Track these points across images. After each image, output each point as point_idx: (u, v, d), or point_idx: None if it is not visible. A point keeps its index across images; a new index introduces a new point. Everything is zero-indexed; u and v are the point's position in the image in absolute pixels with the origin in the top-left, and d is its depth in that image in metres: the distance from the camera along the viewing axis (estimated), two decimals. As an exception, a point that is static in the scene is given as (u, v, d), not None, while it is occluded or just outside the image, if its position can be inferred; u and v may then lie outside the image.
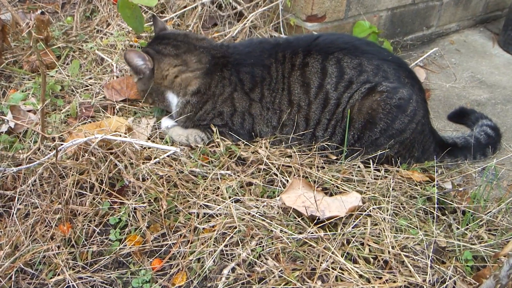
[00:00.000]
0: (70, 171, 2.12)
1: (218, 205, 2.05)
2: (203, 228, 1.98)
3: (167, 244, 1.96)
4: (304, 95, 2.37)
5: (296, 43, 2.47)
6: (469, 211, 2.09)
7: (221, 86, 2.44)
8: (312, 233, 1.92)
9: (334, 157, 2.39)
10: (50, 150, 2.21)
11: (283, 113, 2.41)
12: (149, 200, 2.07)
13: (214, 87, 2.45)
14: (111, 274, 1.87)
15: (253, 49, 2.51)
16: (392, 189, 2.15)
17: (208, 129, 2.48)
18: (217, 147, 2.39)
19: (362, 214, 2.01)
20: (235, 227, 1.94)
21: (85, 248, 1.94)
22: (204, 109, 2.47)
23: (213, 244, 1.90)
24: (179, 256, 1.90)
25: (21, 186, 2.09)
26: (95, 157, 2.14)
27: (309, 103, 2.37)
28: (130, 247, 1.94)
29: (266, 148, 2.36)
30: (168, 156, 2.29)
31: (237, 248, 1.88)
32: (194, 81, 2.45)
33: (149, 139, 2.45)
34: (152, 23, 2.75)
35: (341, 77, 2.34)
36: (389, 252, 1.86)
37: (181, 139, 2.45)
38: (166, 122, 2.56)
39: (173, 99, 2.52)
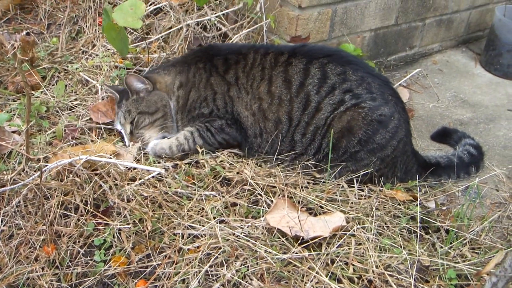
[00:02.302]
0: (55, 192, 2.11)
1: (202, 225, 2.06)
2: (188, 249, 1.98)
3: (152, 265, 1.95)
4: (285, 89, 2.42)
5: (281, 46, 2.63)
6: (452, 230, 2.10)
7: (198, 75, 2.58)
8: (296, 253, 1.92)
9: (319, 175, 2.41)
10: (34, 171, 2.20)
11: (263, 101, 2.45)
12: (134, 221, 2.06)
13: (192, 77, 2.60)
14: (96, 295, 1.86)
15: (231, 45, 2.73)
16: (376, 209, 2.16)
17: (199, 124, 2.54)
18: (202, 168, 2.39)
19: (346, 234, 2.02)
20: (220, 248, 1.94)
21: (70, 270, 1.93)
22: (191, 99, 2.58)
23: (198, 265, 1.90)
24: (164, 277, 1.90)
25: (5, 207, 2.09)
26: (80, 178, 2.14)
27: (290, 98, 2.41)
28: (115, 268, 1.93)
29: (251, 168, 2.37)
30: (152, 177, 2.29)
31: (222, 269, 1.88)
32: (176, 79, 2.65)
33: (135, 159, 2.45)
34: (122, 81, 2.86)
35: (324, 81, 2.38)
36: (373, 272, 1.87)
37: (171, 144, 2.48)
38: (153, 142, 2.55)
39: (172, 104, 2.64)
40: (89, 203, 2.10)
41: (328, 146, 2.35)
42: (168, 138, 2.56)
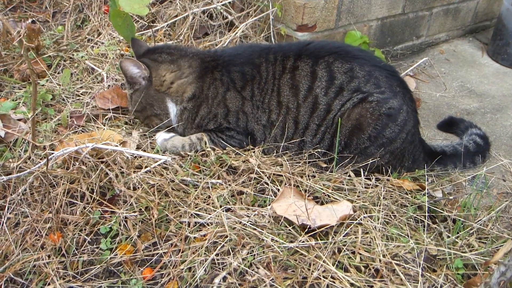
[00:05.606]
0: (61, 180, 2.11)
1: (209, 214, 2.05)
2: (194, 237, 1.97)
3: (158, 253, 1.95)
4: (292, 97, 2.38)
5: (287, 47, 2.50)
6: (459, 220, 2.10)
7: (214, 87, 2.47)
8: (303, 241, 1.91)
9: (325, 165, 2.40)
10: (40, 159, 2.20)
11: (272, 113, 2.42)
12: (140, 209, 2.06)
13: (206, 89, 2.47)
14: (102, 283, 1.85)
15: (242, 51, 2.55)
16: (383, 198, 2.16)
17: (209, 132, 2.50)
18: (208, 156, 2.38)
19: (353, 222, 2.01)
20: (226, 236, 1.94)
21: (76, 257, 1.93)
22: (200, 115, 2.50)
23: (204, 253, 1.89)
24: (170, 265, 1.89)
25: (11, 195, 2.08)
26: (86, 166, 2.14)
27: (297, 105, 2.38)
28: (121, 256, 1.93)
29: (257, 157, 2.37)
30: (159, 165, 2.29)
31: (228, 257, 1.87)
32: (188, 87, 2.48)
33: (139, 148, 2.44)
34: (131, 44, 2.69)
35: (331, 82, 2.34)
36: (380, 261, 1.86)
37: (184, 143, 2.44)
38: (162, 135, 2.50)
39: (173, 108, 2.53)
40: (95, 191, 2.10)
41: (339, 143, 2.34)
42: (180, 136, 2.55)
